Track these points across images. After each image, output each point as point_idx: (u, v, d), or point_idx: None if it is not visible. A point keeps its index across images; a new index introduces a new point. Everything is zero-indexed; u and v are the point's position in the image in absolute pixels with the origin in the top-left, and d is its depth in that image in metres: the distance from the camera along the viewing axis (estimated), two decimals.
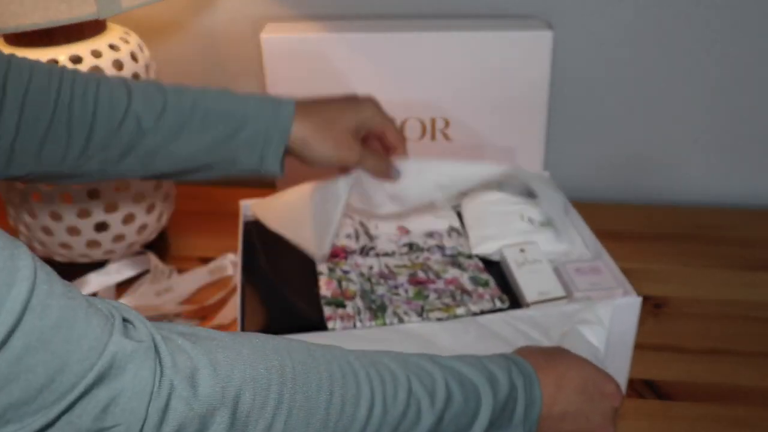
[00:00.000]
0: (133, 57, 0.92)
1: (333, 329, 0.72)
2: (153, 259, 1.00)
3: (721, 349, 0.87)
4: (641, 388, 0.82)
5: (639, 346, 0.88)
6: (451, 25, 1.04)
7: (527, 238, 0.83)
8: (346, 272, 0.80)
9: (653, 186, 1.20)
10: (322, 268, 0.81)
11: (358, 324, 0.72)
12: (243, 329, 0.73)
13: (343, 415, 0.46)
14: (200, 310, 0.94)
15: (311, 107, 0.76)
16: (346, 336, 0.71)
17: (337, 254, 0.83)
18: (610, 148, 1.17)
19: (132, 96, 0.71)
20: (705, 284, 0.98)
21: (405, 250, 0.84)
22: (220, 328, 0.91)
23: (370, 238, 0.86)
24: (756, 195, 1.18)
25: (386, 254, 0.84)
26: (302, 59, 1.04)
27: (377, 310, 0.74)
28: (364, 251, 0.84)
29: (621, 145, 1.17)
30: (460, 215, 0.90)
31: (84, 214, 0.94)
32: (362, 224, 0.88)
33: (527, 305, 0.75)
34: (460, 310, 0.74)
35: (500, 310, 0.75)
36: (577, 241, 0.84)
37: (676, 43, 1.08)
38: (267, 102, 0.74)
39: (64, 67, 0.71)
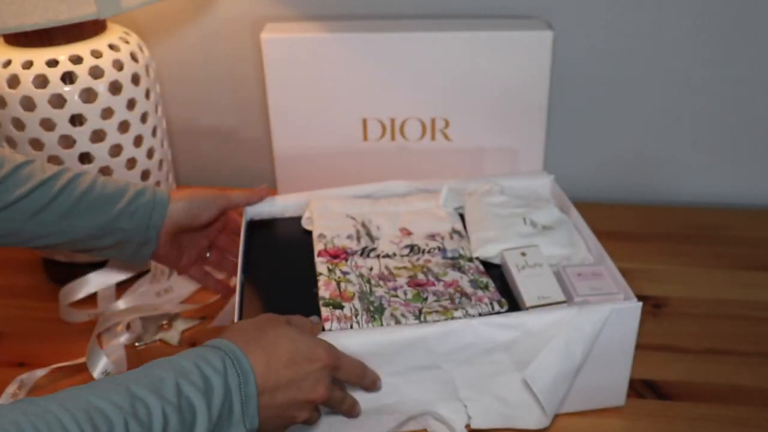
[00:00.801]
0: (133, 57, 0.92)
1: (330, 330, 0.72)
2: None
3: (721, 349, 0.87)
4: (641, 388, 0.82)
5: (639, 346, 0.87)
6: (451, 25, 1.04)
7: (529, 242, 0.82)
8: (345, 273, 0.80)
9: (653, 186, 1.20)
10: (322, 269, 0.80)
11: (355, 326, 0.72)
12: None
13: None
14: (200, 310, 0.94)
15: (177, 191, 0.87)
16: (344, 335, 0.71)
17: (337, 255, 0.82)
18: (610, 148, 1.17)
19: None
20: (705, 284, 0.98)
21: (406, 251, 0.84)
22: (220, 329, 0.91)
23: (372, 239, 0.86)
24: (756, 195, 1.18)
25: (387, 255, 0.83)
26: (302, 59, 1.04)
27: (375, 312, 0.74)
28: (365, 252, 0.83)
29: (621, 145, 1.17)
30: (462, 217, 0.90)
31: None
32: (364, 225, 0.87)
33: (526, 309, 0.75)
34: (457, 314, 0.73)
35: (498, 313, 0.74)
36: (580, 245, 0.84)
37: (677, 44, 1.08)
38: (145, 187, 0.83)
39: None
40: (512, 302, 0.77)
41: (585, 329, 0.71)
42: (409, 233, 0.87)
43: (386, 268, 0.81)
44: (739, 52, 1.08)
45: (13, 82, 0.87)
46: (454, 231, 0.87)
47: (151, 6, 1.07)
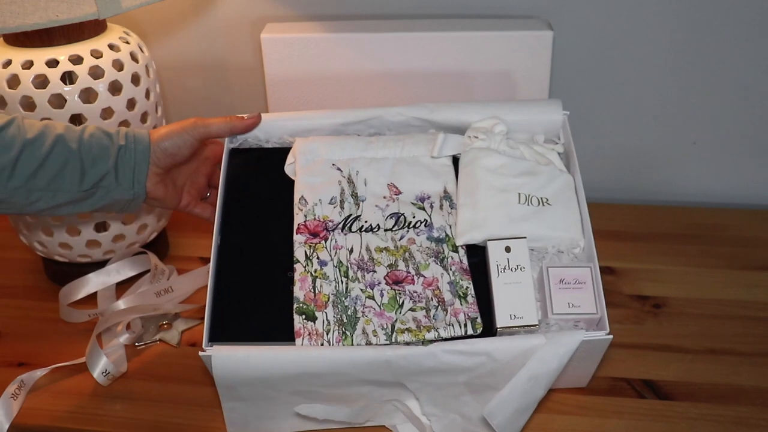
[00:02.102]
0: (133, 57, 0.92)
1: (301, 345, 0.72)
2: (153, 259, 1.00)
3: (721, 349, 0.87)
4: (641, 388, 0.82)
5: (639, 346, 0.88)
6: (451, 25, 1.04)
7: (519, 228, 0.78)
8: (323, 264, 0.77)
9: (653, 186, 1.20)
10: (299, 254, 0.78)
11: (326, 343, 0.72)
12: (212, 324, 0.74)
13: None
14: (200, 310, 0.94)
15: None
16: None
17: (317, 232, 0.79)
18: (610, 148, 1.18)
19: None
20: (705, 284, 0.98)
21: (391, 223, 0.80)
22: None
23: (357, 200, 0.81)
24: (756, 195, 1.18)
25: (370, 229, 0.80)
26: (302, 59, 1.04)
27: (347, 325, 0.73)
28: (347, 225, 0.80)
29: (621, 145, 1.17)
30: (457, 167, 0.83)
31: (84, 214, 0.94)
32: (350, 180, 0.82)
33: (496, 329, 0.73)
34: (429, 335, 0.72)
35: (469, 336, 0.72)
36: (573, 226, 0.79)
37: (676, 44, 1.08)
38: (126, 139, 0.80)
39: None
40: (486, 299, 0.75)
41: (551, 364, 0.69)
42: (398, 192, 0.82)
43: (367, 249, 0.78)
44: (740, 53, 1.08)
45: (13, 82, 0.87)
46: (445, 194, 0.82)
47: (151, 6, 1.07)
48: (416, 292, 0.76)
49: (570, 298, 0.74)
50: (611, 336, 0.71)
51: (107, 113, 0.90)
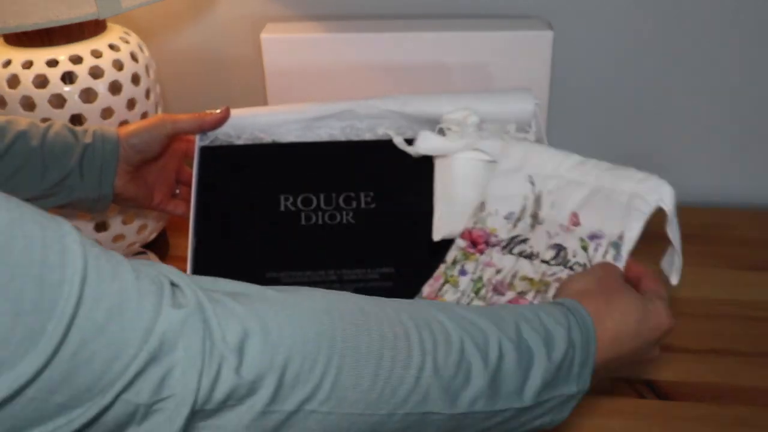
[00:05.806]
0: (133, 57, 0.92)
1: None
2: (153, 259, 1.00)
3: (721, 349, 0.87)
4: (641, 388, 0.82)
5: None
6: (450, 25, 1.04)
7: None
8: (462, 273, 0.71)
9: None
10: (450, 256, 0.72)
11: None
12: None
13: (392, 377, 0.46)
14: None
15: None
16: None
17: (476, 242, 0.72)
18: (610, 148, 1.17)
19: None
20: (705, 284, 0.98)
21: (551, 254, 0.70)
22: None
23: (535, 222, 0.72)
24: (756, 195, 1.18)
25: (530, 255, 0.70)
26: (302, 59, 1.04)
27: None
28: (510, 246, 0.71)
29: (621, 145, 1.17)
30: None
31: (84, 214, 0.94)
32: (538, 199, 0.73)
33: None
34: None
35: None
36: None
37: (676, 44, 1.08)
38: (93, 138, 0.78)
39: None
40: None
41: None
42: (577, 224, 0.71)
43: (514, 275, 0.70)
44: (739, 52, 1.08)
45: (13, 82, 0.87)
46: (618, 240, 0.73)
47: (151, 6, 1.07)
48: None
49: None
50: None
51: (107, 113, 0.91)
